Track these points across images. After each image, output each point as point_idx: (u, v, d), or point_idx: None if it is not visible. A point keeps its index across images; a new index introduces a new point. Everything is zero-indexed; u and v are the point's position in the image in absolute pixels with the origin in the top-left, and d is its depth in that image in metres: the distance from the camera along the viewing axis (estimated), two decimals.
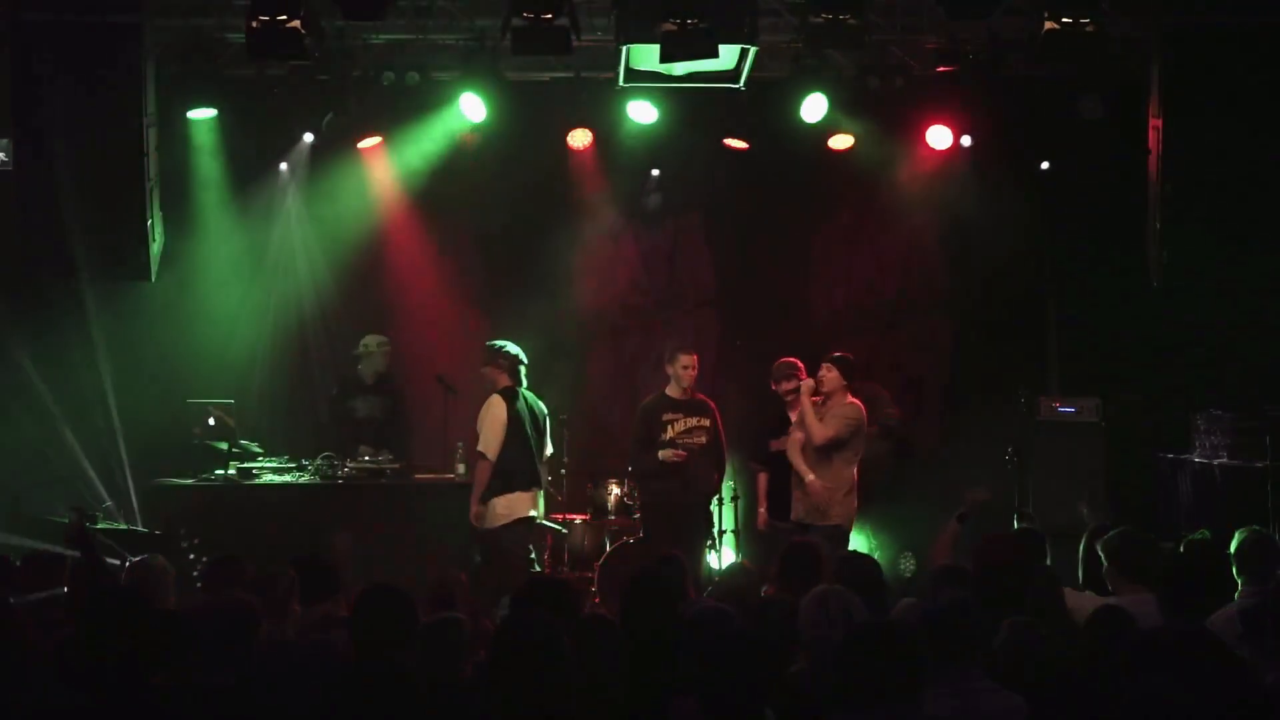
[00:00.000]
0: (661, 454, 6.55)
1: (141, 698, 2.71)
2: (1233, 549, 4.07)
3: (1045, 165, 7.93)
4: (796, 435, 6.23)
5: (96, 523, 6.17)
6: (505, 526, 6.45)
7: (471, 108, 7.29)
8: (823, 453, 6.06)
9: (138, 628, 2.81)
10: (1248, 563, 3.96)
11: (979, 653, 2.98)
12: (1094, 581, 4.29)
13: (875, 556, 6.53)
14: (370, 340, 7.51)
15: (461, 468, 7.53)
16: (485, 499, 6.43)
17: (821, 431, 6.02)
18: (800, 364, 6.58)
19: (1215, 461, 6.84)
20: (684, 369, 6.66)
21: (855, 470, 6.20)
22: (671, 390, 6.74)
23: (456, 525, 6.99)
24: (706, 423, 6.73)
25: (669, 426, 6.66)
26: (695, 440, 6.68)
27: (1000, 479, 7.15)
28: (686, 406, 6.72)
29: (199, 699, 2.82)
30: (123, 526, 6.88)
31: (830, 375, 6.13)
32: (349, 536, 6.71)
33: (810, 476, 6.08)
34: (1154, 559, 4.03)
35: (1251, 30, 6.80)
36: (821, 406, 6.13)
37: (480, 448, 6.45)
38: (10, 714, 2.80)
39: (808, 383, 6.17)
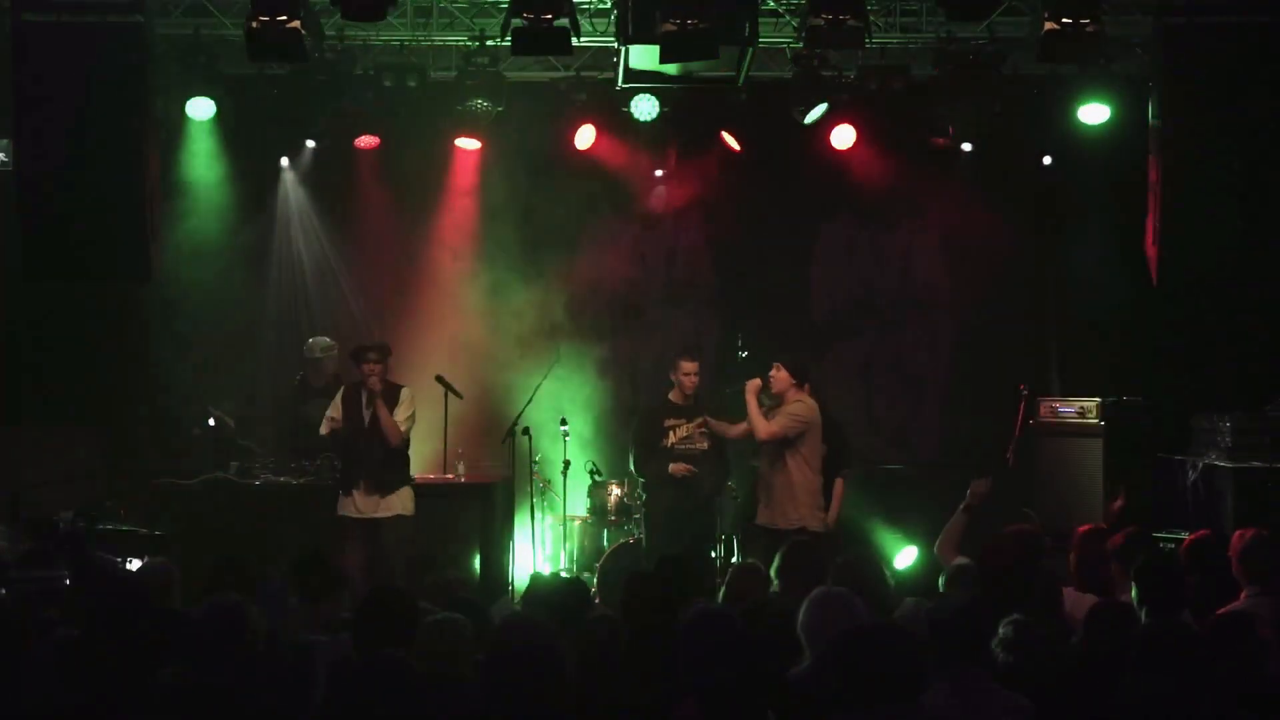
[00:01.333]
0: (672, 467, 6.56)
1: (142, 697, 2.71)
2: (1236, 551, 4.06)
3: (1048, 160, 7.94)
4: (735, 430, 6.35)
5: (97, 523, 6.17)
6: (400, 519, 6.47)
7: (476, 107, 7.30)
8: (775, 453, 6.03)
9: (139, 628, 2.81)
10: (1252, 565, 3.95)
11: (983, 653, 2.98)
12: (1091, 583, 4.29)
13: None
14: (314, 344, 7.46)
15: (461, 467, 7.53)
16: (396, 487, 6.46)
17: (766, 428, 6.00)
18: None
19: (1215, 462, 6.84)
20: (685, 375, 6.66)
21: (817, 473, 6.12)
22: (674, 395, 6.75)
23: (457, 525, 7.00)
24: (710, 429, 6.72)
25: (671, 432, 6.65)
26: (697, 445, 6.67)
27: (999, 479, 7.15)
28: (689, 412, 6.72)
29: (199, 698, 2.82)
30: (123, 527, 6.86)
31: (779, 375, 6.10)
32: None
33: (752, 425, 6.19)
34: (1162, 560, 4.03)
35: (1252, 29, 6.79)
36: (774, 407, 6.11)
37: (400, 425, 6.40)
38: (11, 714, 2.79)
39: (754, 382, 6.12)
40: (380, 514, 6.41)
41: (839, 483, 6.34)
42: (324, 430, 6.55)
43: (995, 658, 3.06)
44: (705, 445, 6.69)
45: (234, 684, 2.87)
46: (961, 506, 4.88)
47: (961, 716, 2.77)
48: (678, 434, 6.66)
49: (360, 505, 6.43)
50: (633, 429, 6.99)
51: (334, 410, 6.51)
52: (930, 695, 2.70)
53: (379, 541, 6.38)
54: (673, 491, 6.59)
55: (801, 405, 6.09)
